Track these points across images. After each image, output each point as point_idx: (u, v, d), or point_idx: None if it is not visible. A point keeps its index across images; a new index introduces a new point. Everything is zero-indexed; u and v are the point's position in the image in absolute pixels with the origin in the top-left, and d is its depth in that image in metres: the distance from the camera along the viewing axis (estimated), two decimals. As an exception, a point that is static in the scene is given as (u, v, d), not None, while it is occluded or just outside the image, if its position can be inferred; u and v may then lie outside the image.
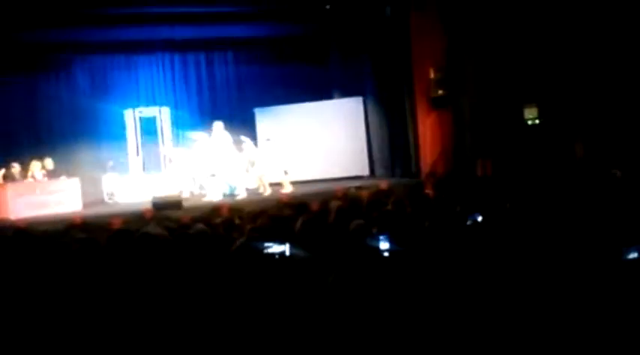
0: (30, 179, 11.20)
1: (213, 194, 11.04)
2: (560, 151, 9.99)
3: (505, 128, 10.84)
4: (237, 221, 5.97)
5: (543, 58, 10.26)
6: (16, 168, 11.13)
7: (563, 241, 3.51)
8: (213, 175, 11.22)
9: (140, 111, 12.72)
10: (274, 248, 3.33)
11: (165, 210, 9.41)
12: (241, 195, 11.05)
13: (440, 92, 11.45)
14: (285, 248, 3.35)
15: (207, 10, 12.29)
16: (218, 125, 11.40)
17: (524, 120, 10.71)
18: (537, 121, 10.60)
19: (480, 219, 4.28)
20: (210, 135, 11.40)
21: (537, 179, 7.81)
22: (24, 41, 12.00)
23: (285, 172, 11.62)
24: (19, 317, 3.06)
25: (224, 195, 11.08)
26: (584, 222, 3.87)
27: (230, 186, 11.36)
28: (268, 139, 12.09)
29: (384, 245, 3.28)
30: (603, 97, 9.62)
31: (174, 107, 13.41)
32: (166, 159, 12.74)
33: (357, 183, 11.06)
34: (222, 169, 11.23)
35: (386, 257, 3.29)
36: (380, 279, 2.76)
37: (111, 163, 12.72)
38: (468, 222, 4.20)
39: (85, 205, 11.48)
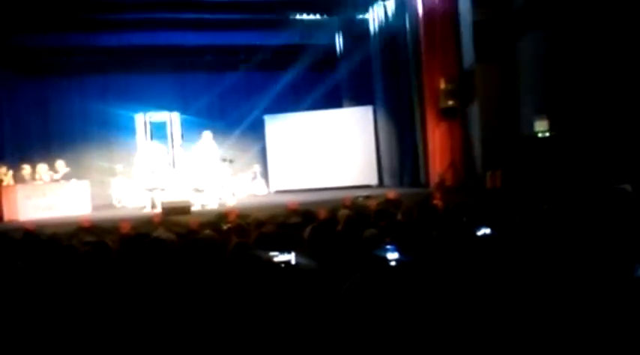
0: (40, 181, 11.27)
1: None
2: (571, 164, 9.93)
3: (515, 140, 10.80)
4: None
5: (555, 69, 10.22)
6: (26, 169, 11.22)
7: (573, 256, 3.48)
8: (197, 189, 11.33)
9: (150, 116, 12.77)
10: (280, 256, 3.32)
11: (173, 215, 9.43)
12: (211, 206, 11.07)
13: (450, 103, 11.42)
14: (291, 257, 3.34)
15: (218, 17, 12.38)
16: (207, 135, 11.52)
17: (535, 133, 10.66)
18: (548, 134, 10.54)
19: (487, 231, 4.26)
20: (199, 144, 11.53)
21: (547, 192, 7.76)
22: (36, 46, 12.12)
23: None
24: (27, 319, 3.07)
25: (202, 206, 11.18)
26: (595, 237, 3.84)
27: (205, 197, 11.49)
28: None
29: (391, 255, 3.26)
30: (615, 111, 9.57)
31: (184, 112, 13.46)
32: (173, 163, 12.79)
33: (366, 192, 11.05)
34: (203, 180, 11.34)
35: (393, 267, 3.28)
36: (387, 289, 2.75)
37: (120, 167, 12.78)
38: (477, 234, 4.19)
39: (94, 208, 11.54)
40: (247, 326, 2.76)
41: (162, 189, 11.38)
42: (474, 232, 4.12)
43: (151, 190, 11.32)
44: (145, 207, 11.24)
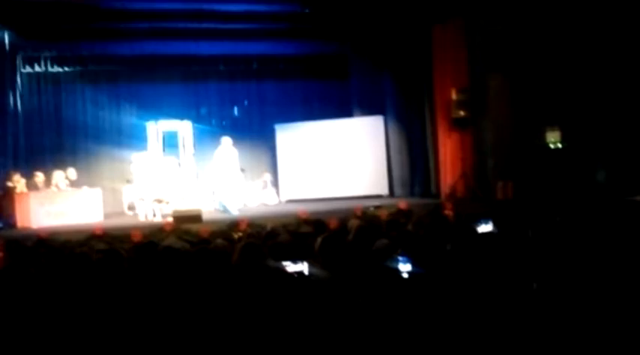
0: (53, 188, 11.35)
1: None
2: (583, 176, 9.88)
3: (527, 151, 10.76)
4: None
5: (568, 81, 10.19)
6: (39, 177, 11.30)
7: (586, 268, 3.46)
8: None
9: (162, 125, 12.85)
10: (293, 266, 3.32)
11: (185, 223, 9.45)
12: (233, 213, 11.12)
13: (461, 113, 11.41)
14: (304, 267, 3.34)
15: (231, 26, 12.45)
16: (226, 140, 11.59)
17: (547, 144, 10.62)
18: (560, 145, 10.50)
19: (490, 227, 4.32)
20: (219, 149, 11.62)
21: (560, 204, 7.72)
22: (49, 54, 12.25)
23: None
24: (40, 326, 3.09)
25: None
26: (608, 249, 3.82)
27: (221, 203, 11.51)
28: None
29: (404, 267, 3.25)
30: (628, 122, 9.52)
31: (196, 121, 13.54)
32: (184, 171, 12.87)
33: (376, 202, 11.04)
34: (223, 185, 11.41)
35: (405, 278, 3.27)
36: (400, 302, 2.75)
37: (132, 175, 12.84)
38: (485, 242, 4.19)
39: (106, 216, 11.60)
40: (259, 336, 2.76)
41: (167, 202, 11.51)
42: (485, 242, 4.11)
43: (158, 202, 11.42)
44: (151, 215, 11.31)
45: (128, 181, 12.34)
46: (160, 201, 11.42)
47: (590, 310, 2.90)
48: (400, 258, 3.30)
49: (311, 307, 2.87)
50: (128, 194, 12.42)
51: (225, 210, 11.28)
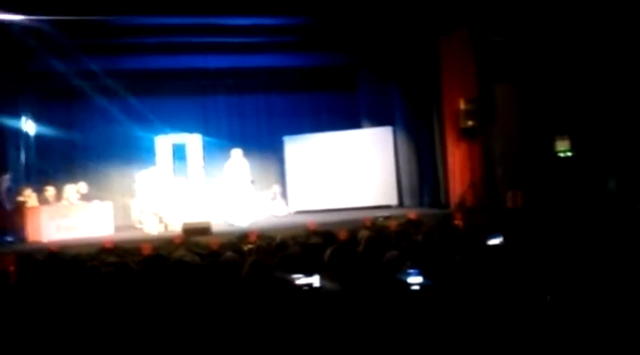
0: (64, 202, 11.42)
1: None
2: (593, 185, 9.82)
3: (536, 160, 10.73)
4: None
5: (576, 89, 10.17)
6: (50, 191, 11.37)
7: (595, 276, 3.44)
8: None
9: (171, 138, 12.92)
10: (303, 279, 3.31)
11: (194, 235, 9.47)
12: (240, 224, 11.17)
13: (470, 123, 11.40)
14: (315, 279, 3.33)
15: (239, 40, 12.51)
16: (237, 152, 11.65)
17: (556, 152, 10.58)
18: (569, 154, 10.46)
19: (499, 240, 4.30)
20: (229, 162, 11.68)
21: (569, 213, 7.68)
22: (59, 70, 12.37)
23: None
24: (51, 339, 3.10)
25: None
26: (618, 258, 3.79)
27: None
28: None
29: (413, 279, 3.24)
30: (637, 131, 9.48)
31: (205, 134, 13.59)
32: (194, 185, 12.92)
33: (386, 213, 11.01)
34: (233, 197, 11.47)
35: (415, 291, 3.26)
36: (409, 314, 2.73)
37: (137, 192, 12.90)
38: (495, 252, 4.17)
39: (116, 229, 11.65)
40: (270, 349, 2.76)
41: (164, 216, 11.64)
42: (496, 254, 4.10)
43: (158, 215, 11.54)
44: (155, 229, 11.38)
45: (134, 196, 12.44)
46: (162, 216, 11.55)
47: (604, 319, 2.87)
48: (410, 271, 3.29)
49: (321, 320, 2.87)
50: (137, 207, 12.50)
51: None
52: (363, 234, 5.75)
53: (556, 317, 2.90)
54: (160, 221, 11.59)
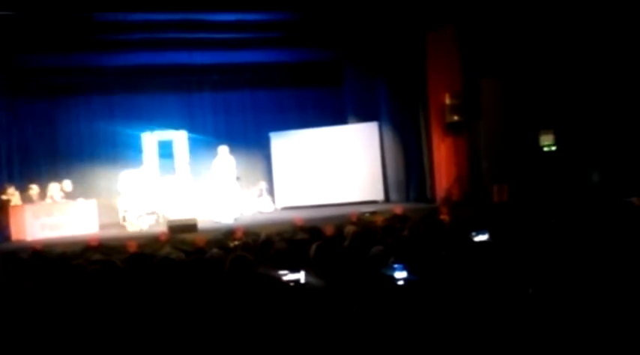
0: (48, 200, 11.32)
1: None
2: (577, 178, 9.92)
3: (521, 154, 10.81)
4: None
5: (561, 84, 10.25)
6: (34, 190, 11.26)
7: (582, 270, 3.47)
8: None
9: (157, 135, 12.84)
10: (289, 276, 3.31)
11: (180, 233, 9.44)
12: (226, 221, 11.16)
13: (455, 118, 11.46)
14: (301, 276, 3.33)
15: (224, 36, 12.45)
16: (223, 149, 11.61)
17: (541, 146, 10.67)
18: (554, 148, 10.55)
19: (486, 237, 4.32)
20: (216, 159, 11.65)
21: (555, 206, 7.74)
22: (42, 66, 12.24)
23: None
24: (37, 338, 3.08)
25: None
26: (603, 251, 3.83)
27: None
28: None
29: (399, 274, 3.25)
30: (621, 124, 9.57)
31: (191, 131, 13.53)
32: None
33: (372, 208, 11.04)
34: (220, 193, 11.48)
35: (400, 286, 3.27)
36: (394, 308, 2.74)
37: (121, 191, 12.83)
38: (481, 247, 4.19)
39: (101, 227, 11.57)
40: (255, 346, 2.76)
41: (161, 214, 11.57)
42: (481, 247, 4.12)
43: (150, 213, 11.53)
44: (138, 227, 11.35)
45: (119, 194, 12.39)
46: (149, 213, 11.53)
47: (587, 313, 2.90)
48: (395, 266, 3.30)
49: (306, 315, 2.87)
50: (122, 205, 12.44)
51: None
52: (350, 229, 5.75)
53: (539, 310, 2.92)
54: (157, 220, 11.52)
